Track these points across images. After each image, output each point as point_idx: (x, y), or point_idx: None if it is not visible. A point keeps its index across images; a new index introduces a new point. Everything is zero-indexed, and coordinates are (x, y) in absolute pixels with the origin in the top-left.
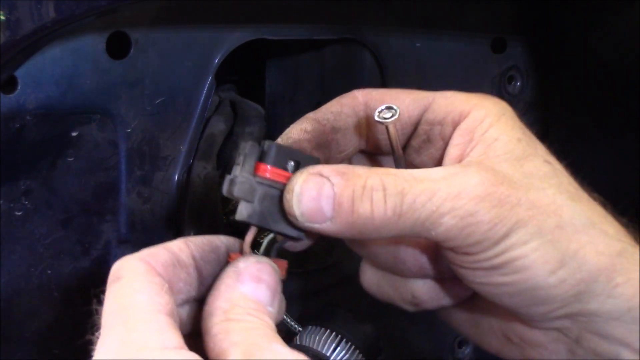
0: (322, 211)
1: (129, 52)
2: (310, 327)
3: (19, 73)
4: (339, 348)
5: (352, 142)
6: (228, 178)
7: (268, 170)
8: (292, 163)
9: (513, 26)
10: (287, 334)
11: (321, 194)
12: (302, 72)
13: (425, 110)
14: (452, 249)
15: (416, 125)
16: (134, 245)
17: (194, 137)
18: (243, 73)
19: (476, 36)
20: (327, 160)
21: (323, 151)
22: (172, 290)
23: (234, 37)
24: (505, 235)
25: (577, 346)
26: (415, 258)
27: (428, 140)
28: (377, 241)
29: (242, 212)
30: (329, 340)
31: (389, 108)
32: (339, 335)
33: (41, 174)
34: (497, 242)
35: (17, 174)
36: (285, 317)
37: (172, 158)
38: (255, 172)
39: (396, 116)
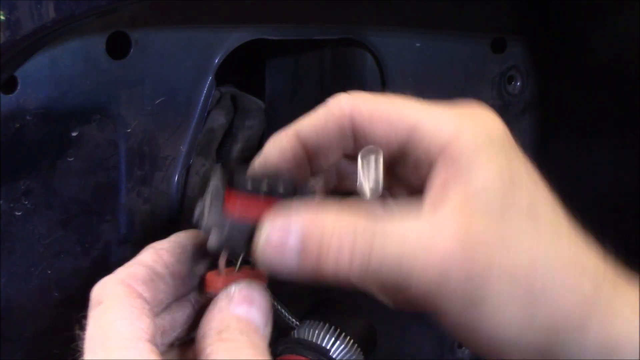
0: (286, 264)
1: (129, 52)
2: (307, 321)
3: (19, 73)
4: (338, 341)
5: (336, 154)
6: (198, 208)
7: (237, 203)
8: (265, 186)
9: (513, 26)
10: (284, 328)
11: (285, 249)
12: (302, 72)
13: (412, 130)
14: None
15: (402, 148)
16: (134, 245)
17: (194, 137)
18: (243, 73)
19: (476, 36)
20: (308, 175)
21: (304, 169)
22: (154, 303)
23: (234, 37)
24: (476, 287)
25: None
26: None
27: (415, 167)
28: None
29: (212, 241)
30: (328, 334)
31: (371, 151)
32: (338, 329)
33: (41, 174)
34: (470, 292)
35: (17, 174)
36: (282, 311)
37: (172, 158)
38: (224, 205)
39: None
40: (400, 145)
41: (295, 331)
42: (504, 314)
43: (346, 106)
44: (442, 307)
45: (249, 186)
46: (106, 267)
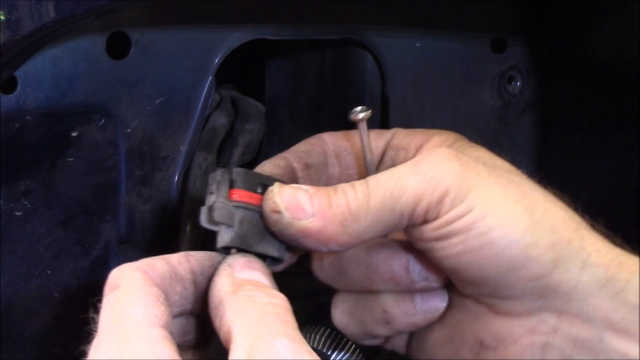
0: (302, 207)
1: (129, 52)
2: (309, 325)
3: (19, 73)
4: (339, 347)
5: (323, 179)
6: (204, 208)
7: (241, 194)
8: (260, 189)
9: (513, 26)
10: None
11: (298, 194)
12: (302, 72)
13: (389, 140)
14: (424, 220)
15: (382, 154)
16: (134, 245)
17: (194, 137)
18: (243, 73)
19: (476, 36)
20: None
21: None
22: (169, 301)
23: (234, 37)
24: (470, 189)
25: (555, 336)
26: (387, 263)
27: (394, 165)
28: (350, 256)
29: (224, 237)
30: (329, 340)
31: (363, 108)
32: (339, 334)
33: (41, 174)
34: (464, 194)
35: (17, 174)
36: None
37: (172, 158)
38: (229, 197)
39: (368, 112)
40: (380, 154)
41: None
42: (500, 203)
43: (326, 136)
44: (437, 198)
45: (249, 185)
46: (106, 267)
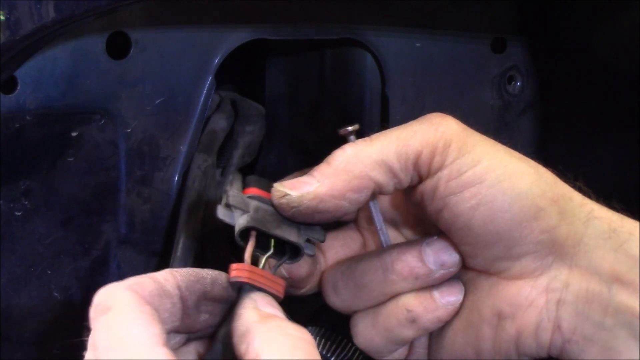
0: (305, 181)
1: (129, 52)
2: (309, 328)
3: (19, 73)
4: (339, 349)
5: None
6: (220, 205)
7: (254, 191)
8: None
9: (513, 26)
10: None
11: (298, 177)
12: (302, 72)
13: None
14: (429, 166)
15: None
16: (134, 245)
17: (194, 137)
18: (243, 73)
19: (476, 36)
20: None
21: None
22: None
23: (234, 37)
24: (476, 144)
25: (567, 292)
26: (401, 259)
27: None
28: (363, 269)
29: (241, 221)
30: (329, 341)
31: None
32: (340, 336)
33: (41, 174)
34: (471, 147)
35: (17, 174)
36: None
37: (172, 158)
38: (243, 192)
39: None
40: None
41: None
42: (505, 157)
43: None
44: (444, 144)
45: (260, 186)
46: (106, 267)
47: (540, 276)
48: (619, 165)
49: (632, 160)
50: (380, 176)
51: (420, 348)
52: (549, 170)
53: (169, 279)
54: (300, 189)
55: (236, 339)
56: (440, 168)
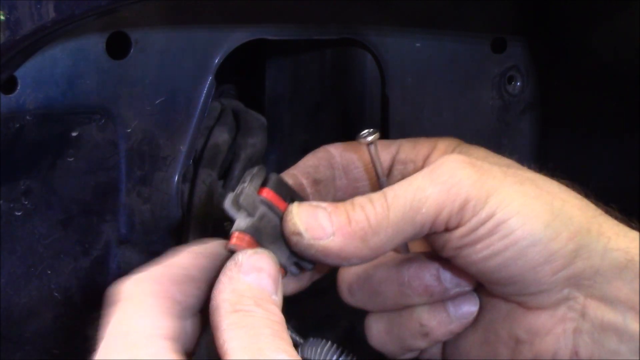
0: (322, 226)
1: (129, 52)
2: (311, 339)
3: (19, 73)
4: (341, 359)
5: (331, 193)
6: (231, 194)
7: (270, 194)
8: (289, 199)
9: (513, 26)
10: None
11: (317, 214)
12: (302, 72)
13: (395, 154)
14: (446, 228)
15: (390, 168)
16: (134, 245)
17: (194, 137)
18: (243, 73)
19: (476, 36)
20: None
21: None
22: (183, 307)
23: (234, 37)
24: (489, 194)
25: (584, 321)
26: (418, 277)
27: (403, 178)
28: (380, 278)
29: (241, 223)
30: (330, 352)
31: (369, 131)
32: (341, 346)
33: (41, 174)
34: (485, 199)
35: (17, 174)
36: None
37: (172, 158)
38: (259, 192)
39: (376, 135)
40: (387, 167)
41: (300, 349)
42: (518, 203)
43: (332, 148)
44: (458, 207)
45: (279, 190)
46: (106, 267)
47: (558, 306)
48: (619, 165)
49: (632, 160)
50: (393, 246)
51: (434, 349)
52: (571, 190)
53: (194, 263)
54: (314, 234)
55: (210, 312)
56: (454, 227)
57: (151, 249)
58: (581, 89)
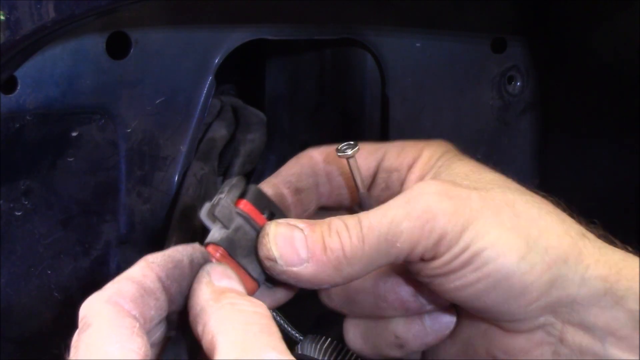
0: (297, 253)
1: (129, 52)
2: (310, 335)
3: (19, 73)
4: (340, 356)
5: (314, 201)
6: (208, 203)
7: (248, 207)
8: (267, 212)
9: (513, 26)
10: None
11: (293, 238)
12: (302, 72)
13: (381, 161)
14: (421, 258)
15: (374, 175)
16: (134, 245)
17: (194, 137)
18: (243, 73)
19: (476, 36)
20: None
21: (286, 213)
22: (144, 320)
23: (234, 37)
24: (465, 227)
25: (562, 346)
26: (394, 291)
27: (387, 187)
28: (357, 287)
29: (215, 235)
30: (330, 349)
31: (349, 144)
32: (340, 344)
33: (41, 174)
34: (459, 234)
35: (17, 174)
36: (285, 325)
37: (172, 158)
38: (236, 204)
39: (356, 149)
40: (372, 174)
41: (299, 346)
42: (494, 235)
43: (315, 153)
44: (433, 242)
45: (258, 203)
46: (106, 267)
47: (535, 332)
48: (619, 165)
49: (632, 161)
50: (365, 273)
51: (414, 355)
52: (553, 212)
53: (148, 274)
54: (288, 261)
55: (192, 319)
56: (429, 259)
57: (151, 249)
58: (581, 89)
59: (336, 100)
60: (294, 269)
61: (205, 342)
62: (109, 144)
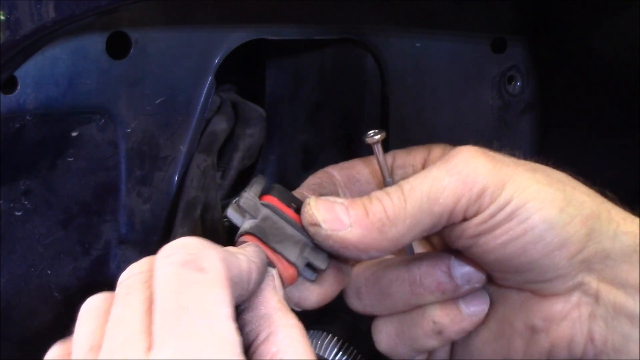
0: (339, 218)
1: (129, 52)
2: (312, 331)
3: (19, 73)
4: (340, 352)
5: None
6: (235, 200)
7: (273, 200)
8: (292, 207)
9: (513, 26)
10: None
11: (334, 207)
12: (302, 72)
13: (392, 162)
14: (464, 215)
15: (391, 175)
16: (134, 245)
17: (194, 137)
18: (243, 73)
19: (476, 36)
20: None
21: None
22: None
23: (234, 37)
24: (505, 182)
25: (597, 305)
26: (430, 274)
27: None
28: (391, 278)
29: (245, 225)
30: (330, 345)
31: (375, 131)
32: (341, 339)
33: (41, 174)
34: (501, 187)
35: (17, 174)
36: None
37: (172, 158)
38: (260, 199)
39: (383, 134)
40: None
41: None
42: (533, 189)
43: (331, 169)
44: (475, 195)
45: (282, 198)
46: (106, 267)
47: (572, 292)
48: (619, 165)
49: (632, 160)
50: (411, 238)
51: (442, 353)
52: (576, 180)
53: (246, 267)
54: (332, 225)
55: (257, 318)
56: (472, 216)
57: (151, 249)
58: (581, 89)
59: (336, 100)
60: (339, 233)
61: (265, 348)
62: (109, 144)
